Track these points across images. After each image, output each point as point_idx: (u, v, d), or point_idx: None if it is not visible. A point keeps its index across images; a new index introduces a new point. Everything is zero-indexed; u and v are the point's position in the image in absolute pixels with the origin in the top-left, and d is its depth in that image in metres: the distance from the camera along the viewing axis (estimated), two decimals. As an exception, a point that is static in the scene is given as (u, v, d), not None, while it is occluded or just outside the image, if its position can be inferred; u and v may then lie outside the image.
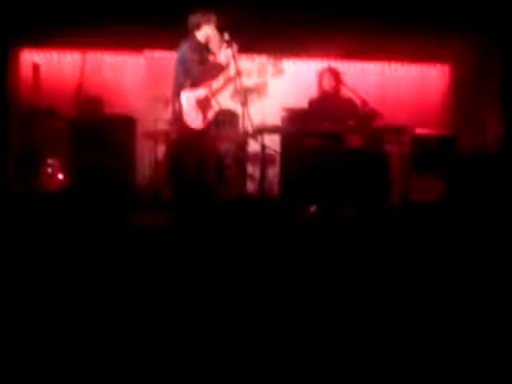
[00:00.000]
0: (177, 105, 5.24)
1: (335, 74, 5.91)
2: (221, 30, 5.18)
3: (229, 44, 5.11)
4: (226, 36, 5.11)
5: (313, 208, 5.41)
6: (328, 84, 5.87)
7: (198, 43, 5.25)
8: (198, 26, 5.21)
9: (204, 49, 5.25)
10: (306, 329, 2.85)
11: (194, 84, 5.21)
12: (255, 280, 3.38)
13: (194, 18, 5.21)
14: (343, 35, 6.35)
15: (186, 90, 5.28)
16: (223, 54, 5.17)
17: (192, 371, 2.54)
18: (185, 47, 5.24)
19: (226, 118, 5.34)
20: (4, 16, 6.22)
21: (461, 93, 7.06)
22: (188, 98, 5.28)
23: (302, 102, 6.11)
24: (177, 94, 5.25)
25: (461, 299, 3.16)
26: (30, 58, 6.83)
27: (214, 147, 5.30)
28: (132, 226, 4.52)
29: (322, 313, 3.00)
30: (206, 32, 5.20)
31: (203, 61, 5.22)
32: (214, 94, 5.22)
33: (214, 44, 5.17)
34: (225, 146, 5.32)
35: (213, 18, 5.18)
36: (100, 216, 4.81)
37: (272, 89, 6.72)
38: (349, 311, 3.02)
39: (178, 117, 5.26)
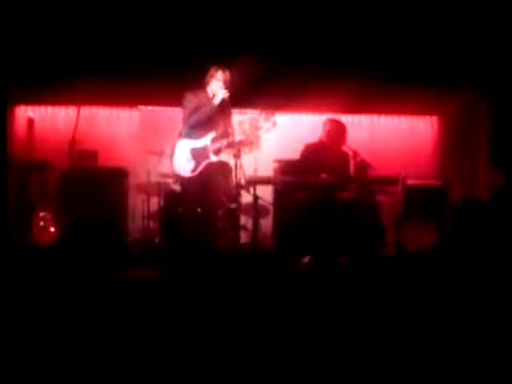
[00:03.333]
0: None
1: (340, 127, 5.97)
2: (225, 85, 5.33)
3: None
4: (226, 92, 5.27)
5: (306, 259, 5.39)
6: (330, 134, 5.91)
7: (207, 96, 5.37)
8: (211, 80, 5.35)
9: (209, 101, 5.37)
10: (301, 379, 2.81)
11: (199, 133, 5.32)
12: (249, 331, 3.35)
13: (210, 72, 5.37)
14: (334, 90, 6.46)
15: (183, 138, 5.38)
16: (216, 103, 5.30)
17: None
18: (192, 99, 5.35)
19: (219, 170, 5.39)
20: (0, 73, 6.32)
21: (450, 143, 7.18)
22: (182, 147, 5.36)
23: (293, 154, 6.17)
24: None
25: (457, 347, 3.14)
26: (25, 112, 6.92)
27: (207, 199, 5.32)
28: (123, 280, 4.48)
29: (316, 363, 2.97)
30: (215, 86, 5.34)
31: (207, 110, 5.33)
32: (215, 145, 5.33)
33: (218, 98, 5.31)
34: (217, 198, 5.34)
35: (226, 74, 5.33)
36: (91, 269, 4.78)
37: (264, 141, 6.82)
38: (343, 361, 2.99)
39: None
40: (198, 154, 5.33)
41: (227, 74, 5.35)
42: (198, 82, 5.48)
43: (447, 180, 6.52)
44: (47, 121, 7.01)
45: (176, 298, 3.88)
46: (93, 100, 6.86)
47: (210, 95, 5.39)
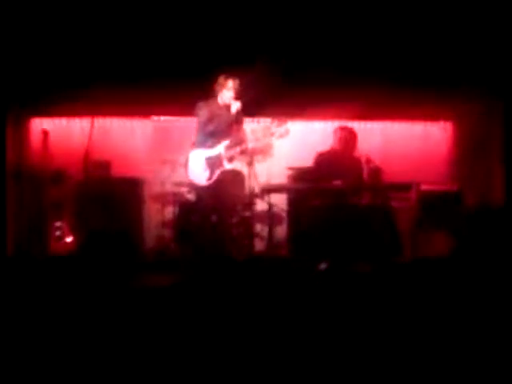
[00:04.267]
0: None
1: (351, 135, 5.97)
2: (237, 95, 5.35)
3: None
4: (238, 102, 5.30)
5: (323, 265, 5.38)
6: (341, 142, 5.91)
7: (218, 105, 5.41)
8: (221, 89, 5.38)
9: (222, 110, 5.39)
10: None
11: (212, 142, 5.35)
12: (265, 338, 3.35)
13: (219, 81, 5.39)
14: (347, 97, 6.45)
15: (197, 148, 5.41)
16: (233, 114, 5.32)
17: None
18: (205, 109, 5.39)
19: (233, 178, 5.40)
20: (15, 86, 6.39)
21: (464, 148, 7.13)
22: (197, 157, 5.38)
23: (306, 162, 6.18)
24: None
25: (471, 352, 3.12)
26: (40, 124, 6.98)
27: (221, 207, 5.33)
28: (139, 288, 4.50)
29: (332, 369, 2.96)
30: (226, 95, 5.36)
31: (220, 120, 5.36)
32: (229, 153, 5.35)
33: (233, 108, 5.33)
34: (232, 206, 5.36)
35: (236, 82, 5.35)
36: (108, 279, 4.80)
37: (277, 149, 6.83)
38: (358, 368, 2.98)
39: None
40: (212, 163, 5.35)
41: (237, 82, 5.37)
42: (210, 92, 5.51)
43: (462, 185, 6.48)
44: (62, 132, 7.05)
45: (191, 306, 3.89)
46: (106, 111, 6.91)
47: (221, 104, 5.42)
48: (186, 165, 5.46)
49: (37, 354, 3.10)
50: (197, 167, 5.38)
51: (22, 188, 6.44)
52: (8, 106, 6.46)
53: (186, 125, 6.76)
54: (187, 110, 5.84)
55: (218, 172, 5.32)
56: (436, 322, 3.54)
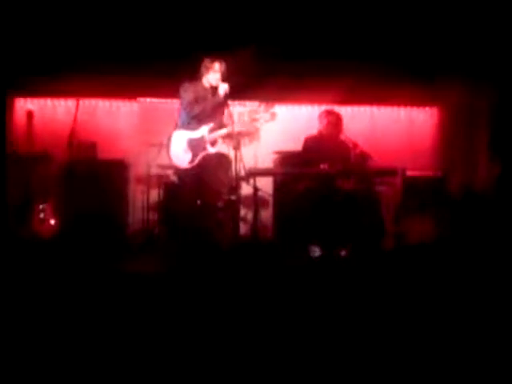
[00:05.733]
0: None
1: (337, 117, 5.95)
2: (223, 77, 5.31)
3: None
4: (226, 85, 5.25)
5: (316, 252, 5.39)
6: (328, 125, 5.90)
7: (204, 87, 5.37)
8: (207, 71, 5.33)
9: (207, 92, 5.36)
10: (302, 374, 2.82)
11: (196, 124, 5.31)
12: (250, 324, 3.36)
13: (205, 63, 5.35)
14: (334, 81, 6.45)
15: (180, 129, 5.36)
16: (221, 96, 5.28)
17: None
18: (190, 90, 5.34)
19: (217, 161, 5.38)
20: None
21: (450, 134, 7.16)
22: (179, 138, 5.34)
23: (293, 146, 6.18)
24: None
25: (457, 339, 3.15)
26: (24, 105, 6.91)
27: (205, 191, 5.31)
28: (122, 272, 4.49)
29: (317, 357, 2.98)
30: (212, 77, 5.32)
31: (205, 101, 5.32)
32: (212, 136, 5.31)
33: (221, 91, 5.28)
34: (216, 189, 5.34)
35: (221, 66, 5.30)
36: (92, 261, 4.79)
37: (264, 133, 6.82)
38: (344, 354, 3.00)
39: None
40: (195, 145, 5.31)
41: (223, 65, 5.32)
42: (195, 74, 5.47)
43: (447, 171, 6.52)
44: (46, 113, 6.99)
45: (175, 290, 3.89)
46: (92, 92, 6.84)
47: (207, 86, 5.38)
48: (168, 146, 5.41)
49: (21, 339, 3.09)
50: (179, 149, 5.33)
51: (6, 169, 6.37)
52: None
53: (172, 107, 6.71)
54: (174, 91, 5.80)
55: (201, 155, 5.29)
56: (420, 309, 3.57)
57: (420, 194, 6.06)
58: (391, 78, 6.59)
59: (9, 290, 3.77)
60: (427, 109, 7.42)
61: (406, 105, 7.36)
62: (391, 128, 7.28)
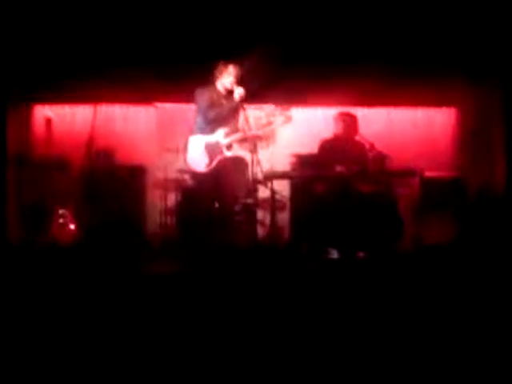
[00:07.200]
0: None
1: (352, 119, 5.94)
2: (238, 81, 5.33)
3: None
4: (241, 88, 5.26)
5: (334, 254, 5.38)
6: (343, 127, 5.89)
7: (218, 91, 5.39)
8: (221, 75, 5.35)
9: (222, 96, 5.38)
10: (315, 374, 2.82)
11: (212, 128, 5.33)
12: (265, 325, 3.36)
13: (220, 67, 5.36)
14: (350, 83, 6.42)
15: (196, 134, 5.40)
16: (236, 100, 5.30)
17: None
18: (205, 95, 5.37)
19: (235, 165, 5.40)
20: (17, 73, 6.39)
21: (468, 134, 7.09)
22: (196, 142, 5.38)
23: (309, 148, 6.17)
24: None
25: (473, 341, 3.13)
26: (43, 112, 6.97)
27: (222, 194, 5.33)
28: (143, 275, 4.52)
29: (333, 360, 2.97)
30: (227, 81, 5.34)
31: (221, 106, 5.34)
32: (228, 140, 5.33)
33: (236, 95, 5.30)
34: (233, 193, 5.35)
35: (236, 69, 5.33)
36: (112, 266, 4.82)
37: (280, 136, 6.81)
38: (359, 358, 3.00)
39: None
40: (211, 150, 5.35)
41: (238, 68, 5.35)
42: (209, 79, 5.49)
43: (465, 172, 6.47)
44: (65, 120, 7.06)
45: (194, 293, 3.91)
46: (109, 98, 6.90)
47: (221, 90, 5.40)
48: (184, 150, 5.45)
49: (40, 345, 3.12)
50: (196, 153, 5.37)
51: (25, 175, 6.44)
52: (10, 93, 6.45)
53: (189, 112, 6.74)
54: (191, 96, 5.83)
55: (217, 159, 5.32)
56: (438, 310, 3.54)
57: (438, 194, 6.02)
58: (407, 79, 6.55)
59: (30, 296, 3.81)
60: (444, 109, 7.37)
61: (423, 106, 7.31)
62: (408, 129, 7.23)
